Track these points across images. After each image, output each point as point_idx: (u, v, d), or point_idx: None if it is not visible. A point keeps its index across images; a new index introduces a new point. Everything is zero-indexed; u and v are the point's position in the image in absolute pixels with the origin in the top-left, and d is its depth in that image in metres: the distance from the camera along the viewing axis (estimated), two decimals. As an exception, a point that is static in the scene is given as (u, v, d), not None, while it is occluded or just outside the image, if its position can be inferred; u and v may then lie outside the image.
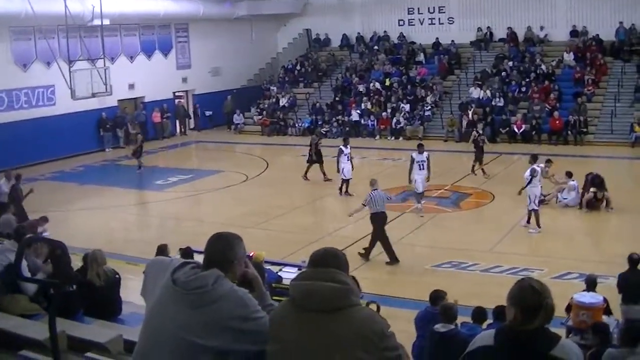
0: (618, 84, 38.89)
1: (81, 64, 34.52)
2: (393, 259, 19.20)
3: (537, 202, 21.79)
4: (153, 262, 5.01)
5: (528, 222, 22.14)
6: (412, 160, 24.45)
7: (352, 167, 27.34)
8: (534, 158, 22.77)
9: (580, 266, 17.73)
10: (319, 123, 42.24)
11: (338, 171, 27.42)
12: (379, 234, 19.45)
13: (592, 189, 23.50)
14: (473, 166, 29.08)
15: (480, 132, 30.55)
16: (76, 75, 33.32)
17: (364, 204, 19.89)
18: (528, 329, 4.02)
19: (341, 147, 27.63)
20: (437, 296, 11.62)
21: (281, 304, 4.38)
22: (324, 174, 29.23)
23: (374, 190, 19.82)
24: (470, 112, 38.76)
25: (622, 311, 13.89)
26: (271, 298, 4.89)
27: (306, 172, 29.71)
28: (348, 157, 27.27)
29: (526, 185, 21.72)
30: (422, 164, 24.37)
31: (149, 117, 42.01)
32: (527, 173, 21.87)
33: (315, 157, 29.70)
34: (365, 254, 19.32)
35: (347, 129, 41.25)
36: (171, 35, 43.81)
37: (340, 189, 27.05)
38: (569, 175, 24.25)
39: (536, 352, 4.01)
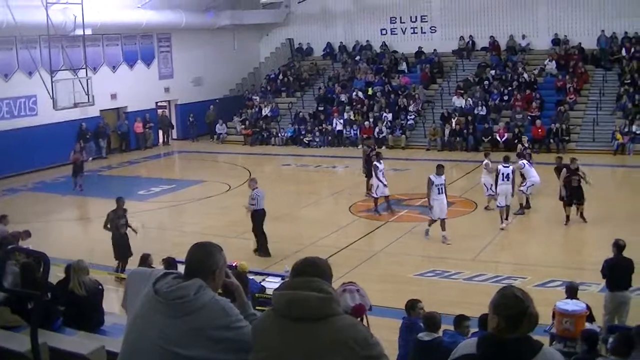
0: (600, 92, 39.13)
1: (63, 74, 34.32)
2: (266, 253, 20.57)
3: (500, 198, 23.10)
4: (134, 273, 5.00)
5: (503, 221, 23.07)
6: (431, 183, 21.86)
7: (385, 184, 25.28)
8: (485, 155, 25.73)
9: (563, 273, 17.77)
10: (302, 133, 42.28)
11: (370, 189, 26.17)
12: (258, 228, 20.83)
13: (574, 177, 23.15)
14: None
15: (526, 145, 30.04)
16: (58, 85, 33.10)
17: (252, 204, 20.90)
18: (511, 338, 4.01)
19: (375, 162, 25.64)
20: (411, 305, 11.65)
21: (264, 313, 4.37)
22: (369, 188, 27.13)
23: (256, 189, 21.06)
24: (453, 121, 38.87)
25: (606, 299, 14.04)
26: (254, 308, 4.88)
27: (368, 187, 27.29)
28: (383, 173, 25.35)
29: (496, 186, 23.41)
30: (441, 188, 21.95)
31: (131, 127, 41.90)
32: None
33: (366, 169, 27.83)
34: (264, 253, 20.52)
35: (330, 138, 41.36)
36: (153, 45, 43.76)
37: (376, 207, 25.43)
38: (506, 159, 24.34)
39: (519, 359, 4.00)
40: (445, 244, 21.46)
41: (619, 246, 14.38)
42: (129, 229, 19.69)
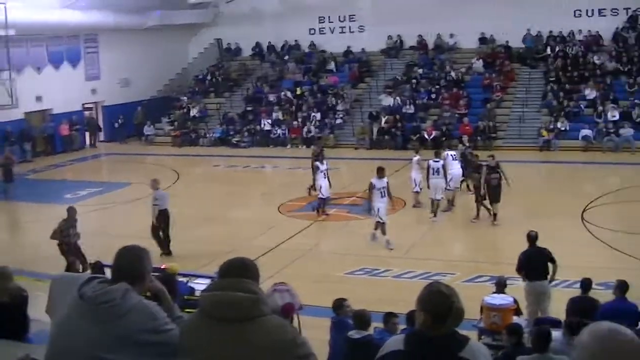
0: (526, 90, 39.88)
1: (-15, 76, 33.83)
2: (166, 250, 20.92)
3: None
4: (59, 278, 4.94)
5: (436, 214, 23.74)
6: (372, 187, 21.43)
7: (330, 184, 25.42)
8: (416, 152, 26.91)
9: (491, 269, 17.99)
10: (230, 133, 42.12)
11: (315, 189, 26.19)
12: (163, 229, 21.18)
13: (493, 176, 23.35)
14: (466, 183, 27.07)
15: (467, 144, 29.81)
16: (-20, 87, 32.57)
17: (156, 204, 21.26)
18: (438, 333, 4.05)
19: (317, 163, 25.67)
20: (338, 305, 11.65)
21: (192, 315, 4.35)
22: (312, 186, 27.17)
23: (158, 189, 21.60)
24: (382, 120, 39.09)
25: (526, 289, 14.31)
26: (182, 311, 4.84)
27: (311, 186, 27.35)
28: (325, 174, 25.17)
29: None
30: (384, 191, 21.46)
31: (57, 130, 41.29)
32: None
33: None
34: (166, 251, 20.72)
35: (259, 138, 41.30)
36: (80, 45, 43.17)
37: (318, 209, 25.24)
38: (437, 154, 24.84)
39: (446, 355, 4.04)
40: (388, 249, 21.00)
41: (531, 237, 14.92)
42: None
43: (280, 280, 12.95)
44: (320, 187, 25.01)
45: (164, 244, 20.96)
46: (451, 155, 25.60)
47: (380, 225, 21.36)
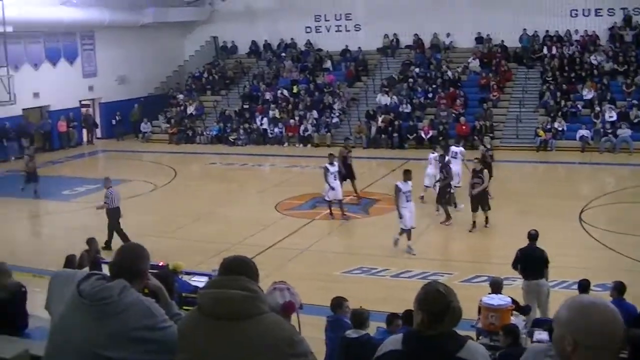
0: (522, 90, 39.81)
1: (-17, 73, 33.77)
2: (109, 246, 20.75)
3: None
4: (58, 274, 4.93)
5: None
6: (398, 190, 20.25)
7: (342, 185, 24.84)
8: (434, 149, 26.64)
9: (488, 269, 18.00)
10: (227, 131, 42.10)
11: (356, 193, 26.15)
12: (114, 226, 21.41)
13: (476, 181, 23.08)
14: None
15: (489, 146, 28.79)
16: (-22, 84, 32.52)
17: (106, 202, 21.65)
18: (435, 333, 4.05)
19: (327, 165, 24.64)
20: (337, 303, 11.60)
21: (189, 312, 4.35)
22: (356, 191, 26.92)
23: (110, 188, 21.91)
24: (379, 119, 39.09)
25: (523, 288, 14.54)
26: (181, 308, 4.86)
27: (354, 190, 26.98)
28: (335, 176, 24.36)
29: None
30: (409, 195, 20.43)
31: (54, 126, 41.26)
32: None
33: (346, 172, 26.47)
34: (107, 247, 20.33)
35: (255, 136, 41.30)
36: (77, 42, 43.11)
37: (331, 211, 24.65)
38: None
39: (443, 355, 4.03)
40: (411, 255, 20.16)
41: (531, 235, 15.09)
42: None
43: (278, 278, 12.98)
44: (333, 189, 24.18)
45: (109, 241, 21.17)
46: (454, 152, 25.78)
47: (405, 231, 20.39)
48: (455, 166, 25.22)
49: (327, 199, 24.57)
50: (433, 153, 25.90)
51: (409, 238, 20.44)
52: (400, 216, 20.11)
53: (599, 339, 3.15)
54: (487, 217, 22.45)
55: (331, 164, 24.54)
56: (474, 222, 22.41)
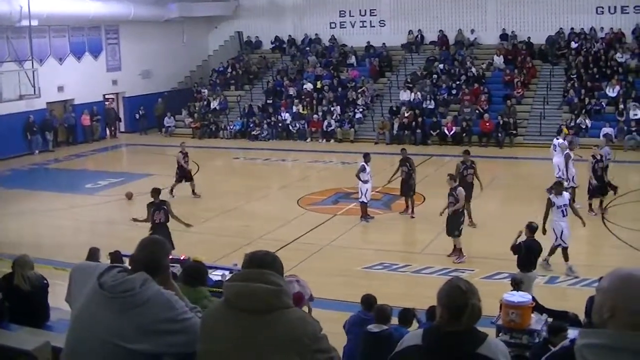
0: (547, 87, 39.62)
1: (8, 66, 33.92)
2: None
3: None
4: (78, 267, 4.94)
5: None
6: (551, 205, 18.34)
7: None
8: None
9: (510, 266, 17.90)
10: (250, 126, 42.15)
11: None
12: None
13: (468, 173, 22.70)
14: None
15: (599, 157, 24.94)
16: (3, 77, 32.65)
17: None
18: (454, 329, 4.04)
19: (362, 163, 23.73)
20: (370, 302, 11.61)
21: (214, 304, 4.39)
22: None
23: None
24: (403, 115, 39.01)
25: (529, 279, 14.96)
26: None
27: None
28: (370, 175, 23.70)
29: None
30: (565, 210, 18.29)
31: (78, 120, 41.47)
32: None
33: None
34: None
35: (279, 131, 41.35)
36: (101, 36, 43.29)
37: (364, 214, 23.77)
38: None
39: (463, 350, 4.03)
40: (572, 276, 17.71)
41: (532, 228, 15.87)
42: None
43: (299, 273, 13.01)
44: (367, 191, 23.50)
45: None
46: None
47: (562, 250, 18.13)
48: (557, 158, 25.52)
49: (364, 200, 23.66)
50: (557, 139, 26.56)
51: (565, 259, 18.11)
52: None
53: (636, 303, 3.18)
54: (455, 246, 19.75)
55: (367, 163, 23.61)
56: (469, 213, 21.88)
